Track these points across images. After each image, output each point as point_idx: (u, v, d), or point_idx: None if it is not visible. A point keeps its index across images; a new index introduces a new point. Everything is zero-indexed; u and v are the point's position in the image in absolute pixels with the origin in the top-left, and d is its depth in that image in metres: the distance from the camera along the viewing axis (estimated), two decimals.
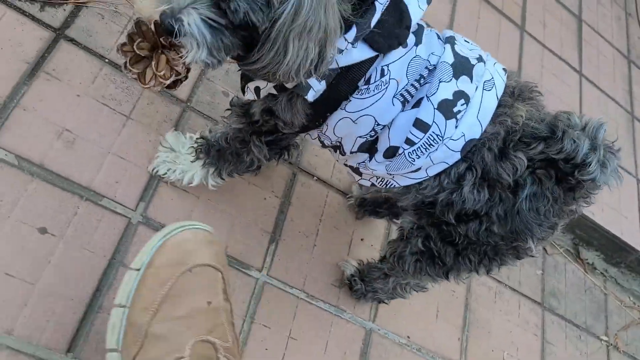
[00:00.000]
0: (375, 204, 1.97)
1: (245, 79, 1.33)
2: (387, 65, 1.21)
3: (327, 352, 1.74)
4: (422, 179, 1.30)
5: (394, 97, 1.23)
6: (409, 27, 1.21)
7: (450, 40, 1.29)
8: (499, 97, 1.24)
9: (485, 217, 1.29)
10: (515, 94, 1.29)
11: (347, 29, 1.11)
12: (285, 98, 1.26)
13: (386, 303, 1.88)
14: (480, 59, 1.28)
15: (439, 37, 1.32)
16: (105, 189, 1.53)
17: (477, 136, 1.21)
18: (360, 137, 1.31)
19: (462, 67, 1.23)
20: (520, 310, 2.29)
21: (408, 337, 1.92)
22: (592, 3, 3.39)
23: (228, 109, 1.48)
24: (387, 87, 1.22)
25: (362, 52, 1.17)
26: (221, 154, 1.55)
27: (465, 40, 1.34)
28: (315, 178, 1.95)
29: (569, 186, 1.22)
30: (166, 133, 1.66)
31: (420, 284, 1.71)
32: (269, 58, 1.03)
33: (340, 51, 1.14)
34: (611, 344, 2.57)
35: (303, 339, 1.70)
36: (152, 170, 1.61)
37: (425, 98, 1.21)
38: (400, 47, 1.22)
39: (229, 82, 1.90)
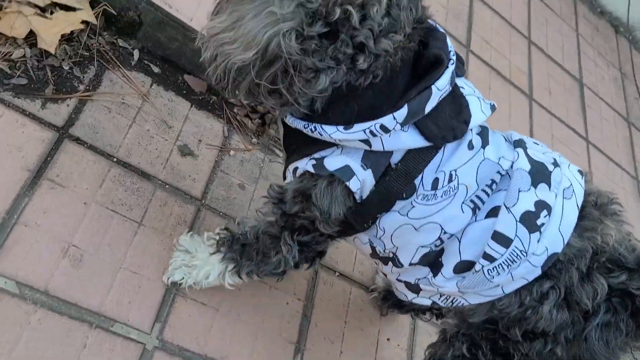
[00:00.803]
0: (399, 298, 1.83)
1: (288, 159, 1.20)
2: (455, 170, 1.10)
3: None
4: (497, 297, 1.17)
5: (463, 203, 1.12)
6: (467, 122, 1.10)
7: (522, 144, 1.19)
8: (579, 206, 1.13)
9: (552, 337, 1.17)
10: (598, 204, 1.18)
11: (398, 107, 1.01)
12: (325, 182, 1.13)
13: None
14: (555, 164, 1.18)
15: (506, 139, 1.21)
16: (117, 311, 1.35)
17: (559, 250, 1.10)
18: (422, 246, 1.18)
19: (539, 174, 1.13)
20: None
21: None
22: (591, 65, 3.38)
23: (265, 196, 1.30)
24: (455, 193, 1.11)
25: (412, 138, 1.06)
26: (245, 250, 1.39)
27: (534, 142, 1.24)
28: (337, 274, 1.81)
29: None
30: (180, 236, 1.49)
31: None
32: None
33: (387, 130, 1.02)
34: None
35: None
36: (167, 279, 1.44)
37: (505, 209, 1.10)
38: (467, 149, 1.12)
39: (244, 173, 1.75)
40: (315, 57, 0.96)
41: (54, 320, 1.26)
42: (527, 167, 1.12)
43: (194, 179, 1.63)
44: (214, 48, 0.97)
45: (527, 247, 1.08)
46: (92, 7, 1.58)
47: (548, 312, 1.12)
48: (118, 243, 1.42)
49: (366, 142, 1.05)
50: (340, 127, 1.04)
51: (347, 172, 1.08)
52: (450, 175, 1.10)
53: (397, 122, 1.02)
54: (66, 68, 1.52)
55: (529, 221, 1.08)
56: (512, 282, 1.12)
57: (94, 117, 1.53)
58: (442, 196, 1.10)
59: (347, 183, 1.08)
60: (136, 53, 1.67)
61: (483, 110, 1.13)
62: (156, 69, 1.71)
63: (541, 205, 1.09)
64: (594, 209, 1.14)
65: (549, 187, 1.11)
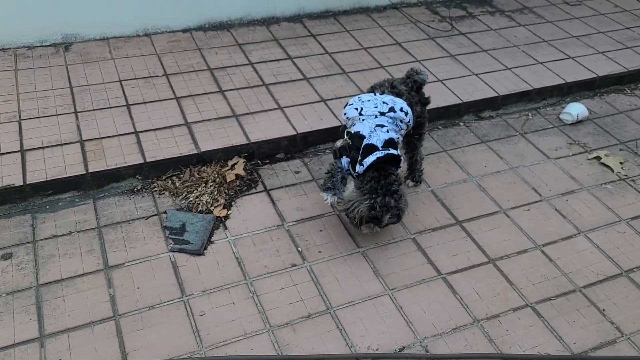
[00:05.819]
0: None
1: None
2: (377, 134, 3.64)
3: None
4: (410, 119, 3.72)
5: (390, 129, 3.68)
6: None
7: (382, 114, 3.63)
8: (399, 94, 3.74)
9: (420, 123, 3.87)
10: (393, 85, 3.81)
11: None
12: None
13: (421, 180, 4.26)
14: (385, 103, 3.46)
15: (376, 116, 3.53)
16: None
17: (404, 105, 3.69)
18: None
19: (387, 112, 3.45)
20: None
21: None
22: None
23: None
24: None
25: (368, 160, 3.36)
26: None
27: (383, 102, 3.59)
28: None
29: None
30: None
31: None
32: None
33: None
34: None
35: None
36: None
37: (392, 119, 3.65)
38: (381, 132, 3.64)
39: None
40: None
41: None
42: (386, 119, 3.52)
43: None
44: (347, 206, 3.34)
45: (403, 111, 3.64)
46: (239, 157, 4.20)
47: (416, 108, 3.77)
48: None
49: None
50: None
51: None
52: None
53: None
54: (249, 177, 4.09)
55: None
56: (408, 117, 3.68)
57: (270, 182, 4.07)
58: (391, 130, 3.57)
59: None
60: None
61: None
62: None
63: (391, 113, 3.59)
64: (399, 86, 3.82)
65: (393, 111, 3.54)
